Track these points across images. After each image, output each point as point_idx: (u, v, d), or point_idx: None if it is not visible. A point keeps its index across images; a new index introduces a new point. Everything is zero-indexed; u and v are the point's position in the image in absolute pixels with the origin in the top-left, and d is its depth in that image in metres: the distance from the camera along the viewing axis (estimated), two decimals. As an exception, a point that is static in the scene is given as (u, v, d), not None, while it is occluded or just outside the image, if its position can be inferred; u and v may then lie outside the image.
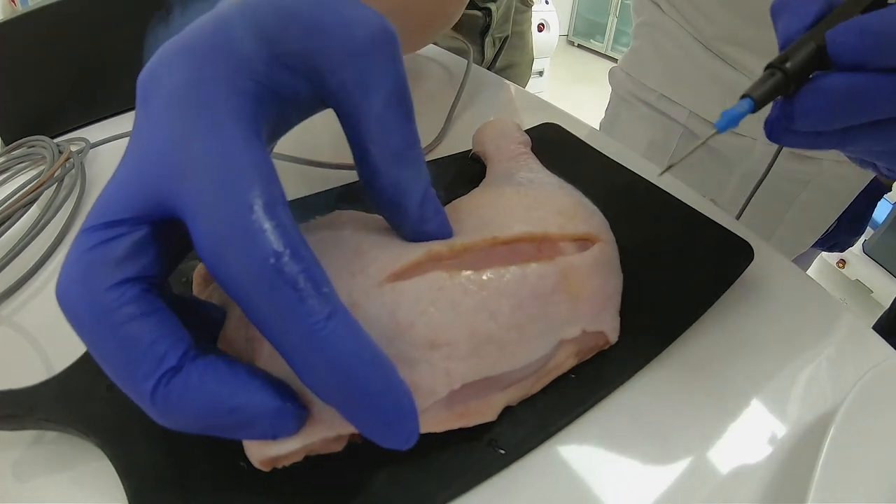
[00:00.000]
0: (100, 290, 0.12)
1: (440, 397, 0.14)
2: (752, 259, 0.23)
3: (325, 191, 0.28)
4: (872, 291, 1.27)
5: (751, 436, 0.19)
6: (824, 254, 0.94)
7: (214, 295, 0.19)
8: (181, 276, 0.22)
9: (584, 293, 0.17)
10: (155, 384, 0.12)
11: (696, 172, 0.43)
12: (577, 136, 0.31)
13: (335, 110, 0.14)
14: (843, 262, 1.25)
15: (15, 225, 0.26)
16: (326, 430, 0.14)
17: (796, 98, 0.16)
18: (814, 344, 0.22)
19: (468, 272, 0.15)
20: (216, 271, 0.12)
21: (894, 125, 0.16)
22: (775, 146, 0.39)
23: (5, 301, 0.24)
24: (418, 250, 0.16)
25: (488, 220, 0.18)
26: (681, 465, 0.18)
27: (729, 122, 0.16)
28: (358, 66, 0.13)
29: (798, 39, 0.16)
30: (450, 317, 0.14)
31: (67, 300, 0.12)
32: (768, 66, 0.16)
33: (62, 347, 0.20)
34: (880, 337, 0.23)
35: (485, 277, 0.15)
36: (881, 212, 0.95)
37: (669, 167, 0.17)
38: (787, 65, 0.16)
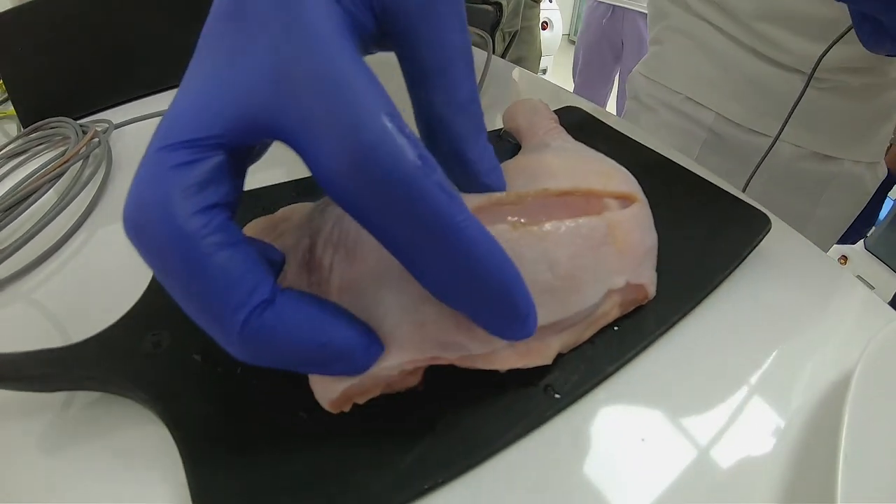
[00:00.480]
0: (184, 215, 0.11)
1: (494, 345, 0.15)
2: (769, 227, 0.25)
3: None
4: (874, 288, 1.27)
5: (777, 391, 0.19)
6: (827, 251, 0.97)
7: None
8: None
9: (627, 246, 0.18)
10: (247, 316, 0.12)
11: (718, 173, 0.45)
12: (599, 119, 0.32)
13: (399, 58, 0.15)
14: (844, 258, 1.26)
15: (40, 200, 0.26)
16: (393, 359, 0.14)
17: None
18: (827, 309, 0.24)
19: (529, 225, 0.16)
20: (345, 190, 0.11)
21: None
22: (792, 145, 0.41)
23: (28, 275, 0.24)
24: (480, 198, 0.16)
25: (535, 177, 0.19)
26: (716, 410, 0.18)
27: None
28: (433, 19, 0.14)
29: None
30: (514, 267, 0.15)
31: (142, 224, 0.11)
32: None
33: (83, 321, 0.20)
34: (890, 307, 0.24)
35: (544, 229, 0.16)
36: (882, 208, 0.99)
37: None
38: None
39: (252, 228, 0.21)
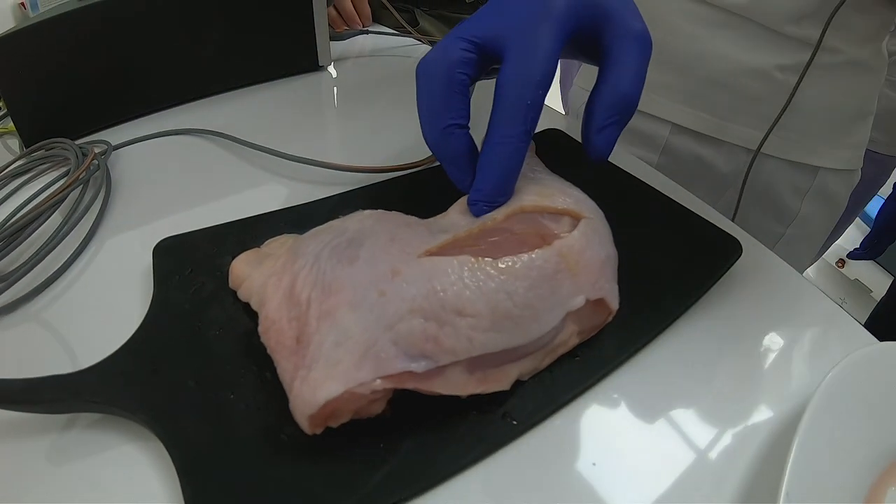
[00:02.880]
0: (451, 67, 0.22)
1: (458, 359, 0.17)
2: (740, 254, 0.26)
3: (339, 194, 0.30)
4: (872, 291, 1.29)
5: (735, 419, 0.22)
6: (824, 254, 0.98)
7: (253, 290, 0.22)
8: (216, 271, 0.24)
9: (580, 267, 0.20)
10: (446, 125, 0.23)
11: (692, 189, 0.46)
12: (579, 140, 0.34)
13: (597, 54, 0.23)
14: (842, 261, 1.28)
15: (43, 225, 0.28)
16: (368, 374, 0.17)
17: None
18: (797, 332, 0.26)
19: (489, 259, 0.18)
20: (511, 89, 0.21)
21: None
22: (767, 156, 0.41)
23: (35, 298, 0.26)
24: (444, 235, 0.19)
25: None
26: (669, 438, 0.21)
27: None
28: (633, 29, 0.22)
29: None
30: (476, 294, 0.18)
31: (428, 62, 0.22)
32: None
33: (87, 343, 0.22)
34: (861, 326, 0.26)
35: (502, 265, 0.18)
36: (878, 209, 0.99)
37: None
38: None
39: (240, 261, 0.23)
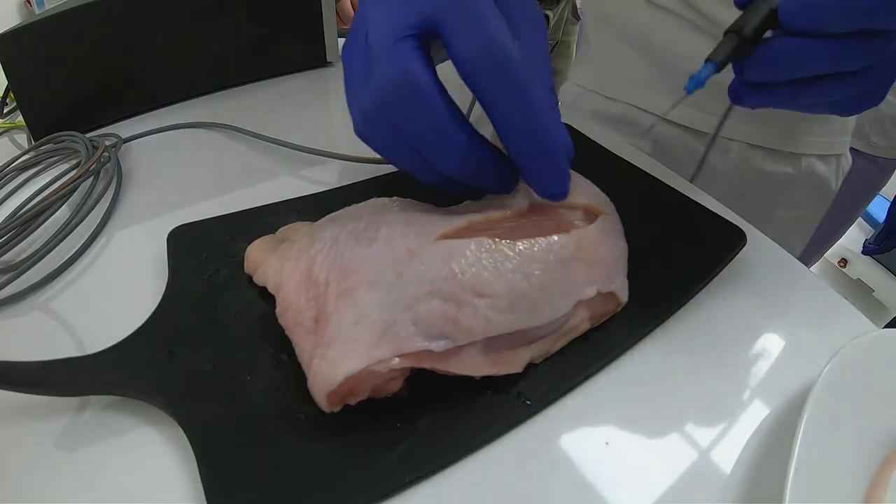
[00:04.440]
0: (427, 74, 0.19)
1: (476, 339, 0.18)
2: (745, 243, 0.27)
3: (350, 184, 0.31)
4: (874, 290, 1.31)
5: (742, 401, 0.22)
6: (826, 253, 1.00)
7: (269, 274, 0.22)
8: (231, 257, 0.25)
9: (595, 259, 0.21)
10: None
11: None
12: (586, 134, 0.35)
13: None
14: (844, 261, 1.29)
15: (54, 215, 0.29)
16: (386, 352, 0.17)
17: (751, 57, 0.20)
18: (801, 320, 0.26)
19: (508, 240, 0.19)
20: (478, 80, 0.19)
21: (834, 80, 0.20)
22: (746, 143, 0.41)
23: (45, 287, 0.27)
24: (461, 219, 0.20)
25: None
26: (679, 418, 0.21)
27: (696, 85, 0.20)
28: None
29: (753, 4, 0.20)
30: (494, 274, 0.18)
31: (400, 82, 0.19)
32: (727, 32, 0.21)
33: (98, 331, 0.23)
34: (863, 315, 0.27)
35: (519, 247, 0.19)
36: (882, 210, 1.01)
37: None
38: (745, 30, 0.20)
39: (256, 247, 0.24)
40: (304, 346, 0.19)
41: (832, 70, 0.20)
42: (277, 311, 0.21)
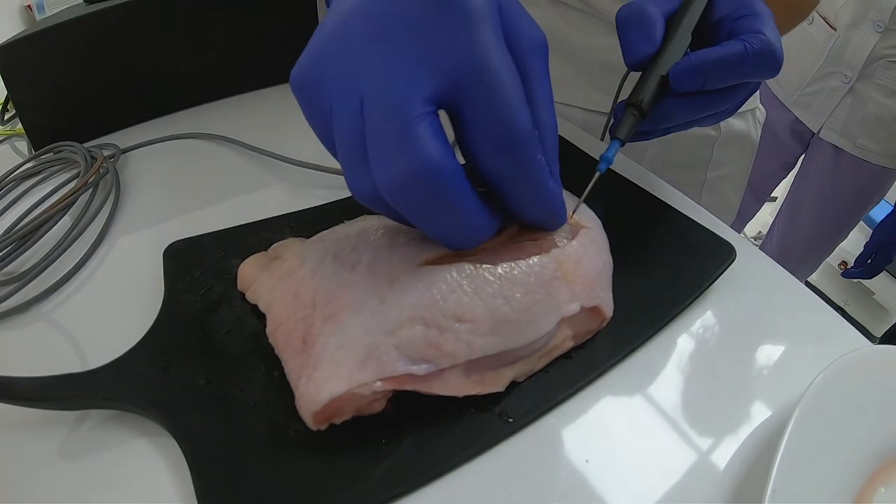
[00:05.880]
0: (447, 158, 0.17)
1: (458, 362, 0.19)
2: (734, 258, 0.28)
3: (344, 199, 0.32)
4: (874, 293, 1.33)
5: (727, 420, 0.23)
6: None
7: (261, 293, 0.23)
8: (224, 274, 0.26)
9: (577, 276, 0.22)
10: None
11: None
12: (575, 144, 0.36)
13: None
14: (844, 264, 1.31)
15: (53, 228, 0.30)
16: (369, 375, 0.18)
17: (649, 119, 0.25)
18: (790, 335, 0.27)
19: (488, 265, 0.20)
20: (494, 159, 0.18)
21: (707, 119, 0.27)
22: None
23: (47, 299, 0.28)
24: (440, 249, 0.20)
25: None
26: (661, 437, 0.22)
27: (607, 164, 0.24)
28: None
29: (646, 74, 0.24)
30: (474, 300, 0.19)
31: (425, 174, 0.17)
32: (627, 105, 0.25)
33: (97, 343, 0.24)
34: (853, 327, 0.27)
35: (500, 270, 0.20)
36: (881, 212, 1.01)
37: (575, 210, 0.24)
38: (643, 104, 0.24)
39: (248, 265, 0.25)
40: (292, 366, 0.20)
41: (709, 114, 0.26)
42: (268, 329, 0.22)
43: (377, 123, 0.17)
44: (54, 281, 0.28)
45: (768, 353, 0.26)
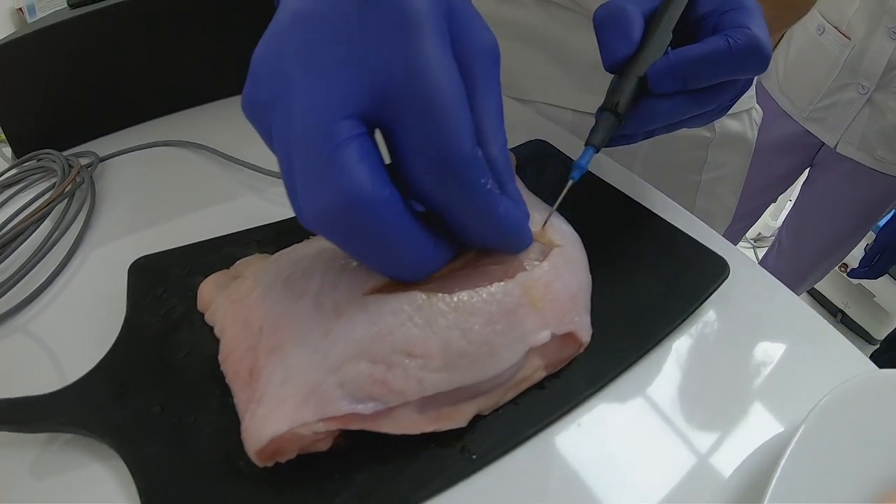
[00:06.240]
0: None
1: (410, 400, 0.18)
2: (727, 276, 0.26)
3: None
4: (875, 296, 1.31)
5: (714, 456, 0.21)
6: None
7: (216, 316, 0.22)
8: (187, 292, 0.25)
9: (546, 301, 0.20)
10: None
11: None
12: (565, 153, 0.34)
13: None
14: (845, 266, 1.28)
15: (28, 239, 0.30)
16: (311, 415, 0.17)
17: (629, 123, 0.24)
18: (785, 354, 0.25)
19: (442, 294, 0.18)
20: (431, 185, 0.16)
21: (693, 120, 0.25)
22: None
23: (20, 312, 0.28)
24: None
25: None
26: (640, 475, 0.20)
27: (580, 172, 0.23)
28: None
29: (623, 78, 0.23)
30: (426, 332, 0.18)
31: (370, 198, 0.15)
32: (603, 110, 0.23)
33: (73, 356, 0.23)
34: (853, 346, 0.25)
35: (456, 299, 0.18)
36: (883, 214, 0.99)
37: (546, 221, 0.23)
38: (619, 107, 0.23)
39: (208, 284, 0.24)
40: (240, 398, 0.19)
41: (694, 114, 0.24)
42: (220, 357, 0.21)
43: (299, 151, 0.16)
44: (26, 295, 0.28)
45: (763, 379, 0.24)
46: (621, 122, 0.23)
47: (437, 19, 0.16)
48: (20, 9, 0.49)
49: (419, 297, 0.18)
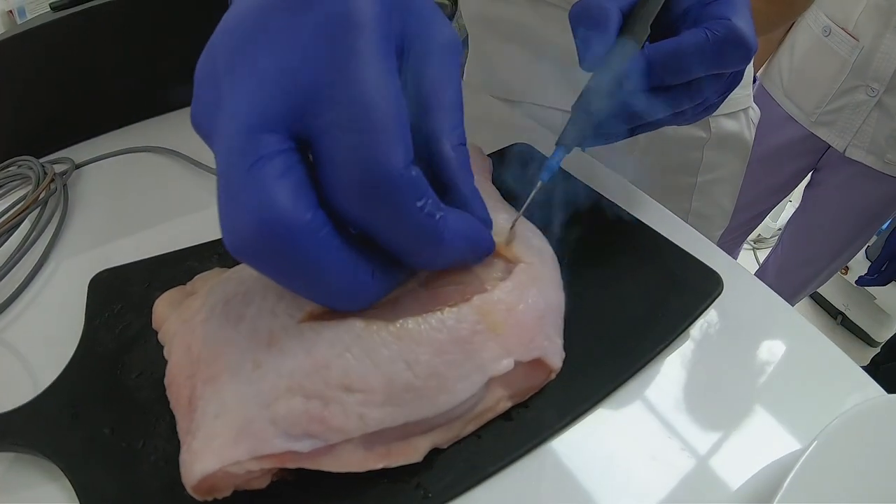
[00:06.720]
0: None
1: (352, 436, 0.16)
2: (720, 291, 0.24)
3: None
4: (875, 298, 1.30)
5: (708, 481, 0.19)
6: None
7: (166, 337, 0.21)
8: (144, 308, 0.24)
9: (508, 325, 0.18)
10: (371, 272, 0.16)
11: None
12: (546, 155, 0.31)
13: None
14: (846, 268, 1.27)
15: (1, 248, 0.30)
16: (243, 453, 0.16)
17: (602, 123, 0.23)
18: (788, 373, 0.23)
19: (385, 322, 0.17)
20: (358, 209, 0.14)
21: (672, 118, 0.24)
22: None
23: (-9, 322, 0.27)
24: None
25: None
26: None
27: (550, 173, 0.22)
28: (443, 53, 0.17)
29: (598, 75, 0.22)
30: (366, 365, 0.16)
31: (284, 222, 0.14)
32: (574, 108, 0.23)
33: (40, 369, 0.23)
34: (854, 363, 0.23)
35: (399, 327, 0.17)
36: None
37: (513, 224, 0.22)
38: (592, 106, 0.22)
39: (163, 301, 0.23)
40: (181, 426, 0.18)
41: (676, 111, 0.23)
42: (165, 381, 0.20)
43: (220, 167, 0.14)
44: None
45: (759, 397, 0.22)
46: (595, 121, 0.22)
47: (377, 21, 0.15)
48: (10, 11, 0.49)
49: (357, 325, 0.17)
